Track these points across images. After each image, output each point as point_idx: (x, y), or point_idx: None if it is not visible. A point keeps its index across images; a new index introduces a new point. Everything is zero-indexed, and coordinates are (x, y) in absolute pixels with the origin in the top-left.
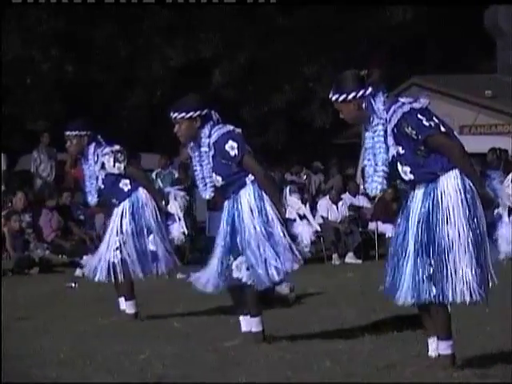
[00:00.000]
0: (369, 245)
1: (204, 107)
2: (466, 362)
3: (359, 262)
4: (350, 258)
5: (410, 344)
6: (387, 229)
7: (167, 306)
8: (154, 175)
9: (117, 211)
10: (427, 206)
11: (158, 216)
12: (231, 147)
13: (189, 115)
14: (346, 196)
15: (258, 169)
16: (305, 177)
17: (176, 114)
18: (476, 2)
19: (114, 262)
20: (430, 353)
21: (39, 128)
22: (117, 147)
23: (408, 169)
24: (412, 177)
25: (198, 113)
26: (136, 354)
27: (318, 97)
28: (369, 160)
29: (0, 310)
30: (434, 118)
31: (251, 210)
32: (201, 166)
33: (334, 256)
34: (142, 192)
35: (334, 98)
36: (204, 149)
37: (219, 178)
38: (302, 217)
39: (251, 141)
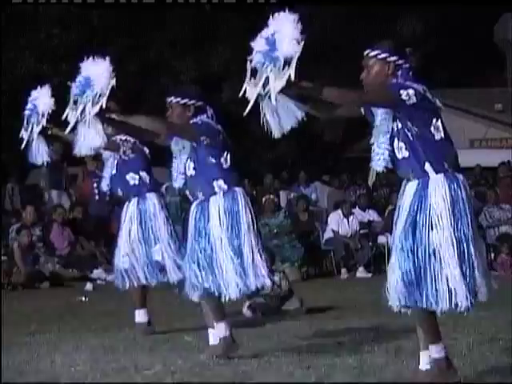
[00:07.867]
0: (379, 258)
1: (200, 99)
2: (478, 377)
3: (369, 275)
4: (360, 273)
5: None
6: None
7: (178, 319)
8: (163, 189)
9: (124, 217)
10: (415, 210)
11: (169, 226)
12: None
13: (183, 101)
14: (356, 210)
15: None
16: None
17: (172, 98)
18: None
19: (121, 269)
20: (420, 366)
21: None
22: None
23: (403, 145)
24: (406, 154)
25: (192, 101)
26: (147, 368)
27: None
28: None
29: (0, 323)
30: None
31: (220, 224)
32: (180, 156)
33: (343, 270)
34: (151, 202)
35: (373, 53)
36: None
37: (191, 165)
38: None
39: (261, 155)
